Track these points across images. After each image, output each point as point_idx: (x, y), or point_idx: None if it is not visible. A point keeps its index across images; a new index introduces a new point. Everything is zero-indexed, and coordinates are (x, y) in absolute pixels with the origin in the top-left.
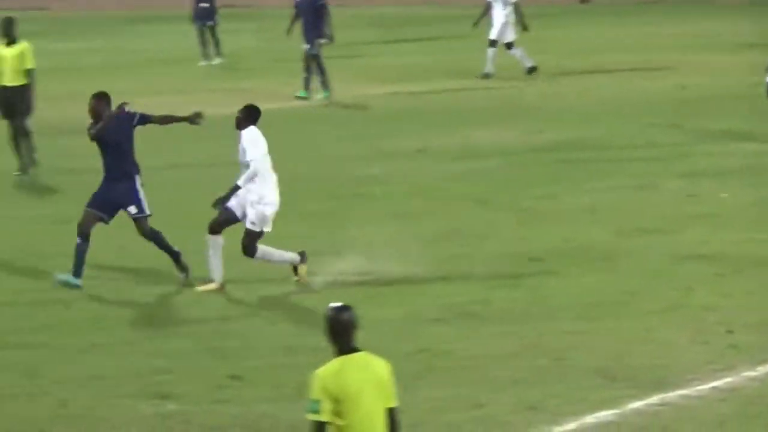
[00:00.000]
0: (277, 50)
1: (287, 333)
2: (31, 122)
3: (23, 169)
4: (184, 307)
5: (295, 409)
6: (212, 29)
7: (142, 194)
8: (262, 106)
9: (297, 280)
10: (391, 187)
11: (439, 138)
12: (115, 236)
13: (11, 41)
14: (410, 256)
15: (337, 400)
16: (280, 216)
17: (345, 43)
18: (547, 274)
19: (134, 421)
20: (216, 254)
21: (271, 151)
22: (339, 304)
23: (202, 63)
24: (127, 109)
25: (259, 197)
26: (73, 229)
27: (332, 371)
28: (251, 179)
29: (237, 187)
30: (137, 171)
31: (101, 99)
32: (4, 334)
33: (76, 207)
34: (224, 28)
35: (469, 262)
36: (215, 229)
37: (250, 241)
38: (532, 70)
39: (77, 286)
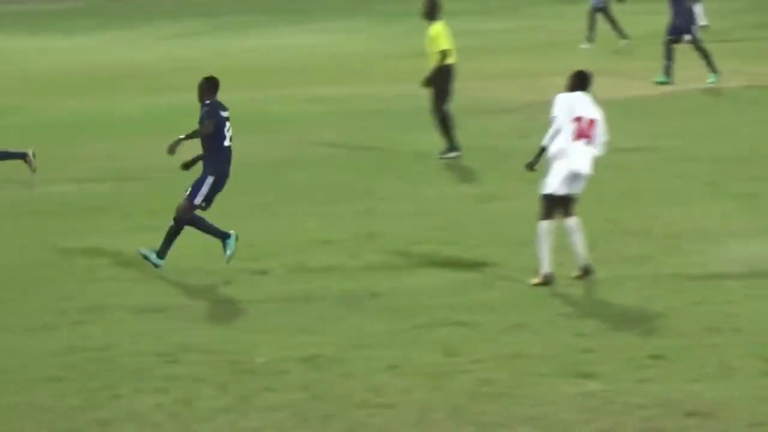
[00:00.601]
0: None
1: (708, 313)
2: (450, 104)
3: (452, 149)
4: (602, 287)
5: (717, 389)
6: (601, 10)
7: (204, 189)
8: (669, 90)
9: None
10: None
11: None
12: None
13: (431, 22)
14: None
15: None
16: (701, 195)
17: (757, 24)
18: None
19: (555, 399)
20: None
21: (690, 133)
22: None
23: (584, 46)
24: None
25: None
26: (497, 207)
27: None
28: (552, 137)
29: (542, 149)
30: (211, 172)
31: (209, 83)
32: (426, 313)
33: (499, 185)
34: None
35: None
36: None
37: (542, 204)
38: None
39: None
